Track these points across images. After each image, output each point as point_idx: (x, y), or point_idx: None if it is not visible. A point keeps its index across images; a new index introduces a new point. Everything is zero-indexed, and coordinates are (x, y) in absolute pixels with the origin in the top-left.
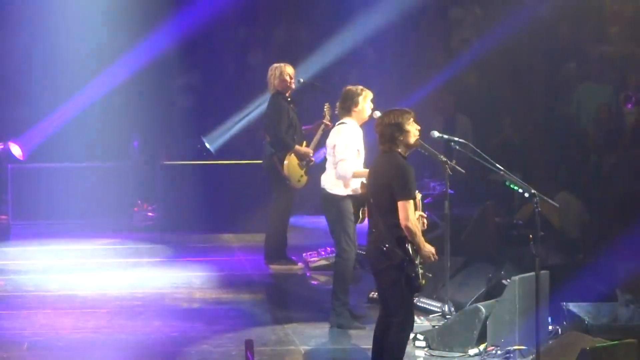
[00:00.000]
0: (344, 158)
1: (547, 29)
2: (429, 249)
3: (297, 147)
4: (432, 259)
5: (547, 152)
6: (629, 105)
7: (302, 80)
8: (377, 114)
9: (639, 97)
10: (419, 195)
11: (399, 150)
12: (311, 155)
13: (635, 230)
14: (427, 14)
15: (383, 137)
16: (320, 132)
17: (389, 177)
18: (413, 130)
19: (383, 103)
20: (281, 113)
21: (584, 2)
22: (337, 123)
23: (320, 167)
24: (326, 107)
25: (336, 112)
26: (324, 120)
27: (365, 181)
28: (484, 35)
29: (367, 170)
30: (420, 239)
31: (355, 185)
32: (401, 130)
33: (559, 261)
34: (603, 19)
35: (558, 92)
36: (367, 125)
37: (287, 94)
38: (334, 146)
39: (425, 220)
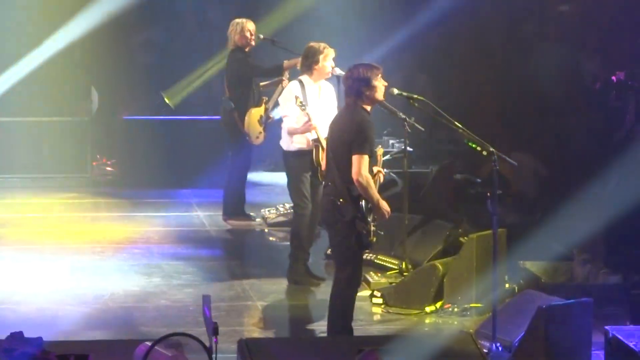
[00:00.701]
0: (286, 114)
1: None
2: (383, 205)
3: (256, 108)
4: (386, 216)
5: (505, 112)
6: (597, 85)
7: (262, 36)
8: (337, 70)
9: (607, 77)
10: (380, 151)
11: (364, 105)
12: (269, 118)
13: (592, 190)
14: None
15: (349, 90)
16: (279, 89)
17: (349, 131)
18: (380, 85)
19: (344, 60)
20: (242, 69)
21: None
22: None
23: (279, 124)
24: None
25: (297, 67)
26: (282, 77)
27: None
28: None
29: (301, 127)
30: (374, 195)
31: (302, 141)
32: (368, 85)
33: (517, 220)
34: None
35: (517, 52)
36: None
37: (246, 50)
38: (278, 104)
39: (382, 176)
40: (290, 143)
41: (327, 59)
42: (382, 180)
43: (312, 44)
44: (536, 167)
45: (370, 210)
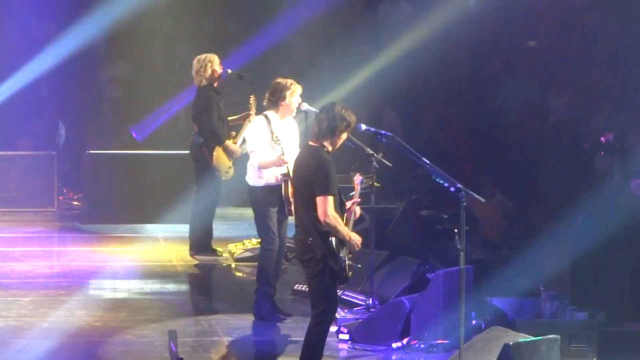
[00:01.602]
0: (253, 150)
1: (475, 24)
2: (354, 238)
3: (227, 142)
4: (357, 248)
5: (472, 147)
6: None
7: (229, 71)
8: (305, 106)
9: (595, 138)
10: (357, 178)
11: (325, 144)
12: (238, 153)
13: (559, 225)
14: (355, 8)
15: (317, 129)
16: (247, 123)
17: (311, 171)
18: (344, 137)
19: (312, 96)
20: (211, 104)
21: None
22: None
23: (247, 159)
24: (252, 98)
25: (264, 103)
26: (250, 112)
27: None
28: (412, 30)
29: (273, 160)
30: (344, 231)
31: (270, 176)
32: (338, 125)
33: (484, 256)
34: (531, 14)
35: (484, 87)
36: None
37: (215, 85)
38: (246, 140)
39: (358, 209)
40: (257, 178)
41: (294, 95)
42: (357, 214)
43: (279, 79)
44: (503, 203)
45: (342, 245)
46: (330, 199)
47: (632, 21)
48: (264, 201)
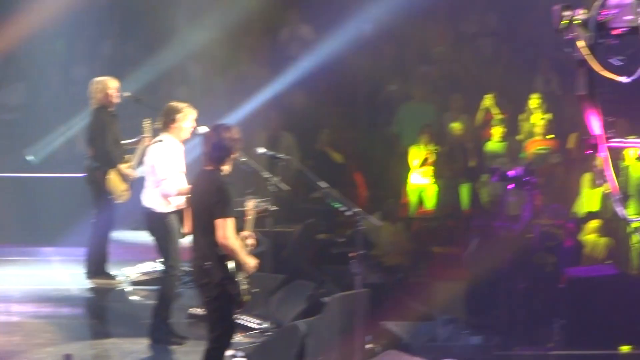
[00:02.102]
0: (165, 177)
1: (371, 48)
2: (249, 262)
3: (120, 167)
4: (253, 270)
5: (368, 171)
6: (494, 179)
7: (126, 94)
8: (202, 129)
9: (503, 171)
10: (251, 203)
11: (223, 167)
12: (132, 178)
13: (454, 251)
14: (252, 31)
15: (211, 153)
16: (142, 147)
17: (210, 195)
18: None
19: (209, 119)
20: (105, 128)
21: (408, 23)
22: (154, 140)
23: (142, 182)
24: (146, 122)
25: (156, 126)
26: (144, 136)
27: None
28: (310, 52)
29: (187, 188)
30: (242, 255)
31: (179, 202)
32: (231, 147)
33: (379, 280)
34: (426, 40)
35: (381, 112)
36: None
37: (110, 109)
38: (153, 166)
39: (252, 240)
40: (167, 204)
41: (186, 119)
42: (252, 243)
43: (172, 103)
44: (397, 229)
45: (239, 269)
46: (230, 221)
47: (522, 47)
48: (173, 227)
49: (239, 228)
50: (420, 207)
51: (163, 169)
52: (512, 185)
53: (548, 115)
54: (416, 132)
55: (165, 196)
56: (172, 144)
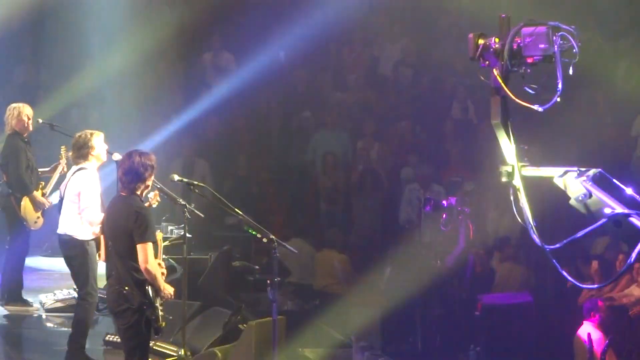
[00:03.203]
0: (90, 205)
1: (285, 75)
2: (168, 289)
3: (34, 194)
4: (169, 298)
5: (283, 198)
6: (427, 208)
7: (40, 120)
8: (117, 156)
9: (437, 201)
10: (159, 235)
11: (138, 192)
12: (47, 205)
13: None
14: (167, 58)
15: (135, 177)
16: (56, 174)
17: (128, 220)
18: (150, 182)
19: (123, 145)
20: (19, 154)
21: (322, 51)
22: (76, 168)
23: (56, 209)
24: (63, 149)
25: (70, 159)
26: (61, 162)
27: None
28: (227, 79)
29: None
30: (160, 281)
31: (97, 229)
32: (146, 172)
33: (296, 307)
34: (341, 67)
35: (294, 139)
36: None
37: (24, 135)
38: (79, 194)
39: (163, 265)
40: (89, 232)
41: (101, 142)
42: (165, 273)
43: (79, 134)
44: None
45: (157, 295)
46: (151, 245)
47: (438, 74)
48: (93, 254)
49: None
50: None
51: (88, 197)
52: (445, 215)
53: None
54: (330, 158)
55: (91, 223)
56: (93, 171)
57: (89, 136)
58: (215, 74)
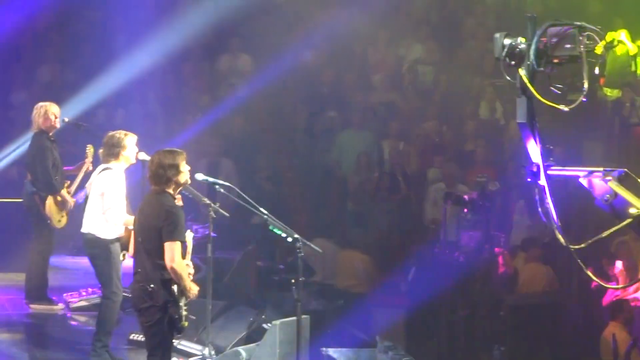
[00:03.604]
0: (113, 206)
1: (310, 76)
2: (193, 289)
3: (62, 192)
4: (193, 297)
5: (308, 198)
6: (448, 203)
7: (66, 119)
8: (143, 155)
9: (459, 196)
10: (189, 235)
11: (170, 190)
12: (71, 204)
13: (393, 278)
14: (192, 57)
15: (156, 177)
16: (82, 173)
17: (159, 218)
18: (186, 171)
19: (149, 145)
20: (45, 153)
21: (347, 50)
22: (102, 168)
23: (81, 207)
24: (88, 148)
25: (100, 156)
26: (86, 161)
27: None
28: (249, 80)
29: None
30: (187, 281)
31: (122, 229)
32: (178, 171)
33: (320, 306)
34: (366, 68)
35: (319, 139)
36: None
37: (50, 134)
38: (103, 194)
39: (191, 267)
40: (113, 231)
41: (133, 144)
42: (192, 273)
43: (113, 133)
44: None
45: (182, 294)
46: (179, 244)
47: (463, 74)
48: (117, 253)
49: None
50: None
51: (111, 198)
52: (466, 210)
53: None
54: (355, 158)
55: (114, 224)
56: (119, 172)
57: (122, 136)
58: (237, 75)
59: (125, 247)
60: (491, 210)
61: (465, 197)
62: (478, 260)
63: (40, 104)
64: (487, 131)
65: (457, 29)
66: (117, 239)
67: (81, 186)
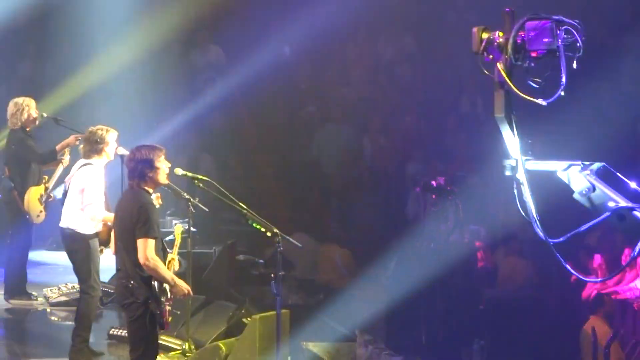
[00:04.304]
0: (92, 202)
1: (289, 71)
2: (180, 284)
3: (37, 187)
4: (185, 293)
5: (287, 193)
6: (417, 189)
7: (45, 115)
8: (122, 150)
9: (427, 182)
10: (179, 229)
11: (146, 187)
12: (50, 197)
13: (373, 271)
14: (171, 53)
15: (132, 172)
16: (59, 168)
17: (133, 214)
18: (163, 167)
19: (130, 140)
20: (23, 148)
21: (327, 46)
22: (82, 163)
23: (59, 203)
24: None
25: (80, 150)
26: (63, 157)
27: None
28: (227, 75)
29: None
30: (166, 275)
31: (101, 224)
32: (152, 166)
33: (300, 301)
34: (345, 62)
35: (298, 134)
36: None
37: (28, 129)
38: (83, 190)
39: (176, 263)
40: (92, 227)
41: (114, 140)
42: (177, 267)
43: (94, 128)
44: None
45: (163, 291)
46: (151, 242)
47: (440, 71)
48: (95, 249)
49: (165, 249)
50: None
51: (91, 194)
52: (434, 196)
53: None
54: (335, 155)
55: (92, 219)
56: (99, 168)
57: (104, 132)
58: (211, 69)
59: (103, 243)
60: (458, 195)
61: (433, 182)
62: (456, 253)
63: (21, 99)
64: (467, 125)
65: (437, 23)
66: (96, 234)
67: (59, 181)
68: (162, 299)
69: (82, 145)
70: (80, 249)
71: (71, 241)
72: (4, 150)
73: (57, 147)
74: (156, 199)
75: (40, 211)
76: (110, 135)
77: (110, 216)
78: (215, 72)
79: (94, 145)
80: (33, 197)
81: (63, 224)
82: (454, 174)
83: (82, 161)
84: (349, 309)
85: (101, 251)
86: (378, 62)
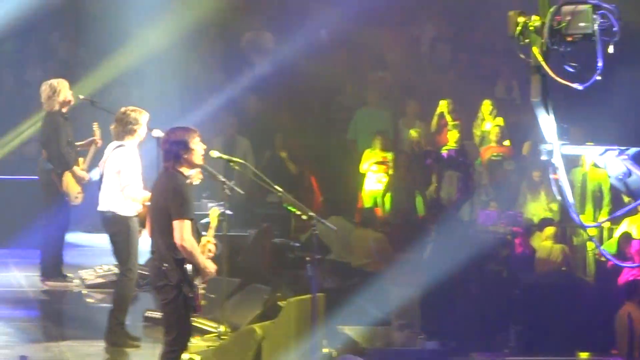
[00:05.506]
0: (130, 182)
1: (326, 55)
2: (209, 266)
3: (74, 168)
4: (213, 275)
5: (323, 176)
6: (428, 162)
7: (81, 96)
8: (157, 132)
9: (437, 154)
10: (215, 212)
11: (182, 169)
12: (86, 179)
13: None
14: (207, 36)
15: (167, 154)
16: (92, 150)
17: (167, 196)
18: (198, 149)
19: (163, 122)
20: (59, 130)
21: (363, 29)
22: (115, 145)
23: (96, 184)
24: (95, 125)
25: (111, 131)
26: (95, 138)
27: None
28: (265, 58)
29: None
30: (199, 259)
31: (140, 205)
32: (187, 148)
33: (335, 284)
34: (381, 46)
35: (336, 118)
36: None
37: (64, 111)
38: (119, 171)
39: (213, 246)
40: (132, 208)
41: (145, 121)
42: (213, 250)
43: (126, 109)
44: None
45: (197, 273)
46: (187, 223)
47: (479, 53)
48: (135, 230)
49: (199, 231)
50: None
51: (128, 175)
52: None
53: (499, 121)
54: (371, 137)
55: (132, 200)
56: (133, 148)
57: (138, 114)
58: (255, 53)
59: (142, 224)
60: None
61: (444, 154)
62: (493, 238)
63: (55, 81)
64: (504, 110)
65: (472, 7)
66: (136, 216)
67: (94, 163)
68: (196, 282)
69: (113, 127)
70: (121, 231)
71: (113, 223)
72: (40, 132)
73: (78, 145)
74: (197, 174)
75: (79, 192)
76: (143, 117)
77: (148, 196)
78: (257, 56)
79: (126, 127)
80: (71, 178)
81: (102, 207)
82: (489, 159)
83: (114, 143)
84: (384, 293)
85: (140, 232)
86: (414, 46)
